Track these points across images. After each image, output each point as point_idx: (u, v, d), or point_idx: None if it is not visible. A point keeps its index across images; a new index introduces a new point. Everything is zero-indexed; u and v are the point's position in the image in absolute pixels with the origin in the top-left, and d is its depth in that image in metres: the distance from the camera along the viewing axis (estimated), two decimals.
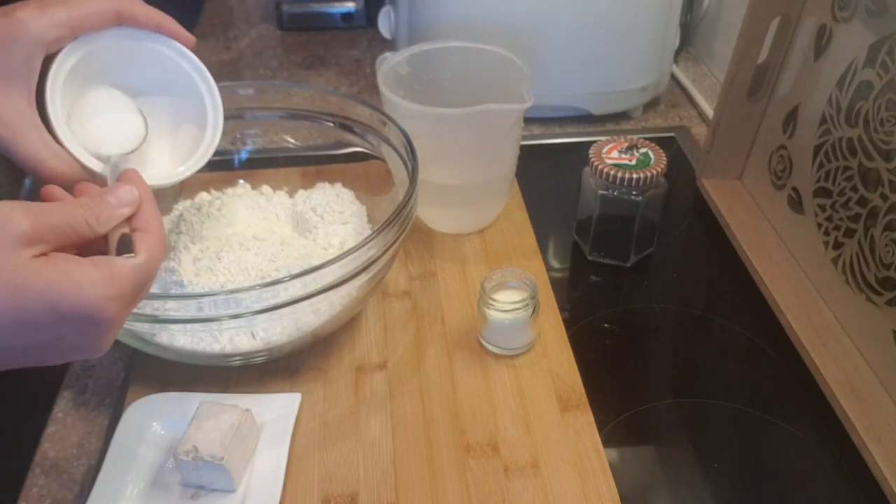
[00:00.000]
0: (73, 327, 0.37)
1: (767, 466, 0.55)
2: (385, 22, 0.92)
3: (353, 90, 1.01)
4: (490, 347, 0.62)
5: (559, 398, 0.59)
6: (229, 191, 0.72)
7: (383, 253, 0.56)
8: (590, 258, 0.72)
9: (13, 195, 0.63)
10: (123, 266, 0.39)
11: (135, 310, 0.51)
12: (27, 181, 0.58)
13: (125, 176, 0.44)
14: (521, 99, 0.64)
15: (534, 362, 0.61)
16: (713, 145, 0.77)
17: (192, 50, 0.52)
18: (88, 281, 0.37)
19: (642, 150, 0.68)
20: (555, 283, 0.69)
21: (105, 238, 0.41)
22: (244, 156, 0.75)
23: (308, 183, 0.73)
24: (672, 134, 0.91)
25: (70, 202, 0.40)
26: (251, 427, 0.54)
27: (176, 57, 0.51)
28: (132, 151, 0.48)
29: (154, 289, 0.60)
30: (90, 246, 0.40)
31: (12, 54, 0.43)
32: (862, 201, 0.59)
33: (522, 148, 0.72)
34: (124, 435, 0.55)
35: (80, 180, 0.45)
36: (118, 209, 0.41)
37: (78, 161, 0.46)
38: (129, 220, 0.42)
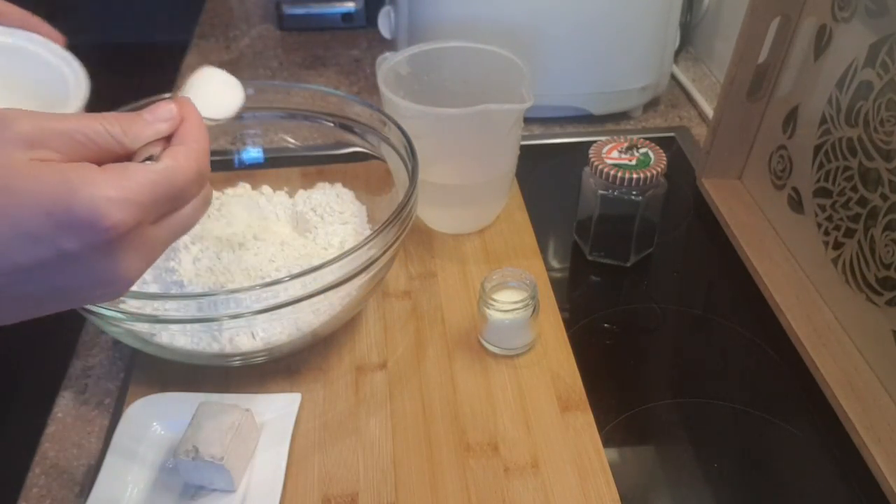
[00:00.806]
0: (76, 238, 0.32)
1: (767, 466, 0.55)
2: (385, 22, 0.92)
3: (353, 90, 1.01)
4: (490, 347, 0.62)
5: (559, 398, 0.59)
6: (229, 191, 0.72)
7: (383, 253, 0.56)
8: (590, 258, 0.72)
9: None
10: (137, 170, 0.34)
11: (134, 309, 0.52)
12: None
13: (173, 99, 0.40)
14: (521, 99, 0.64)
15: (534, 362, 0.61)
16: (713, 145, 0.77)
17: (65, 46, 0.50)
18: (89, 181, 0.32)
19: (642, 150, 0.68)
20: (555, 283, 0.69)
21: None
22: (244, 156, 0.75)
23: (308, 183, 0.73)
24: (672, 134, 0.91)
25: (91, 116, 0.36)
26: (251, 427, 0.54)
27: (41, 50, 0.50)
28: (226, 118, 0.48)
29: (154, 289, 0.61)
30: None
31: None
32: (862, 201, 0.59)
33: (522, 148, 0.72)
34: (124, 435, 0.55)
35: None
36: (153, 124, 0.37)
37: None
38: (167, 140, 0.38)
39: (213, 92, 0.47)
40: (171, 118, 0.38)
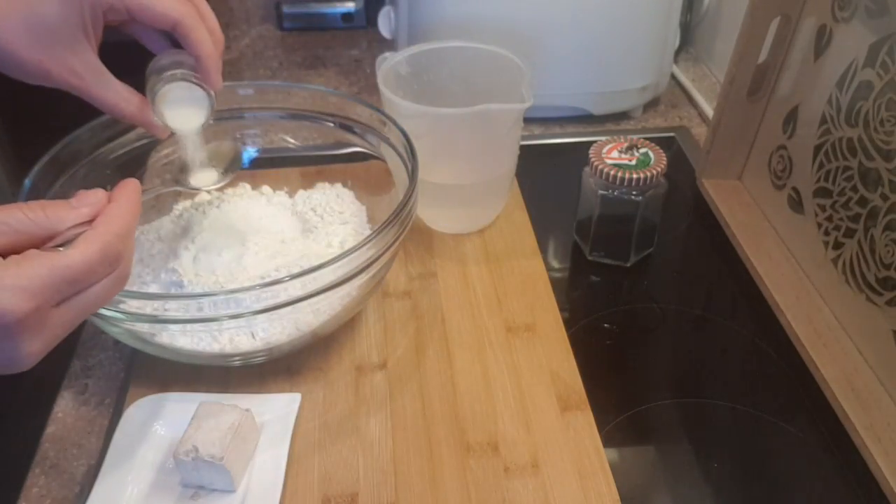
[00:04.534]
0: None
1: (767, 466, 0.55)
2: (385, 22, 0.92)
3: (353, 90, 1.01)
4: None
5: (559, 398, 0.59)
6: (229, 191, 0.72)
7: (383, 253, 0.56)
8: (590, 258, 0.72)
9: (13, 196, 0.62)
10: (34, 257, 0.36)
11: (134, 309, 0.52)
12: (27, 181, 0.58)
13: (119, 184, 0.42)
14: (521, 99, 0.64)
15: (534, 362, 0.61)
16: (713, 145, 0.77)
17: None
18: None
19: (642, 150, 0.68)
20: (555, 283, 0.69)
21: None
22: (244, 156, 0.75)
23: (308, 183, 0.73)
24: (672, 134, 0.91)
25: (13, 205, 0.38)
26: (251, 427, 0.54)
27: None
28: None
29: (154, 289, 0.61)
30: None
31: (74, 16, 0.47)
32: (862, 201, 0.59)
33: (522, 148, 0.72)
34: (124, 435, 0.55)
35: (149, 121, 0.52)
36: (77, 209, 0.39)
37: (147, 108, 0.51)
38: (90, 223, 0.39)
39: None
40: (95, 202, 0.40)
